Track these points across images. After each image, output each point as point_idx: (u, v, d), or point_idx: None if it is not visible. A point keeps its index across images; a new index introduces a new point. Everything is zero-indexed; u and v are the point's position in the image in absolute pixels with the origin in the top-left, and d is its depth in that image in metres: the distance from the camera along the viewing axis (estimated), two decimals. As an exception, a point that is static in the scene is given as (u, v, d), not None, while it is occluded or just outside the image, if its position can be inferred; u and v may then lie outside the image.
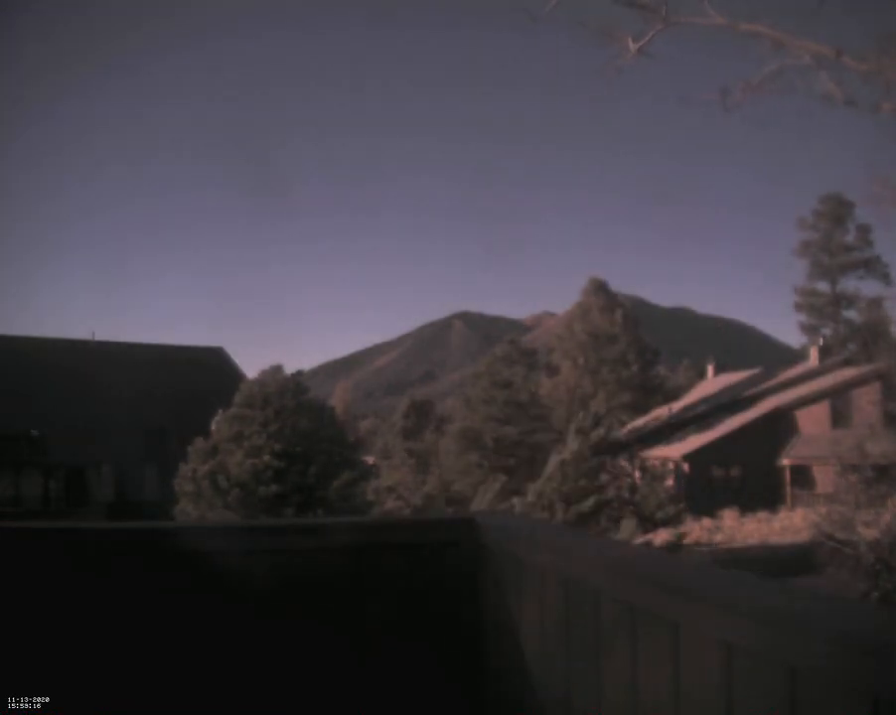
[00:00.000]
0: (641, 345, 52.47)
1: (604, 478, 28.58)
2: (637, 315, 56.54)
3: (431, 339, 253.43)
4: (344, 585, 2.57)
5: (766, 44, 14.19)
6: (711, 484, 34.78)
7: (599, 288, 52.70)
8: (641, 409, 47.36)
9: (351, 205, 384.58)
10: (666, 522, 28.76)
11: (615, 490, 28.92)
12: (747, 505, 31.42)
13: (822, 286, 54.57)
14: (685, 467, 35.11)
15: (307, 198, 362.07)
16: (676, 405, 45.24)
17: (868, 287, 53.65)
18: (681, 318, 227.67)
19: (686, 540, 26.68)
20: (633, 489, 30.27)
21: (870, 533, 15.28)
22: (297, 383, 26.36)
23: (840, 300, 54.01)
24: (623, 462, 33.12)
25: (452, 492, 36.84)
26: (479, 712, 2.51)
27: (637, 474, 32.07)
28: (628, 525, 26.14)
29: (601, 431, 29.07)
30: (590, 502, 26.51)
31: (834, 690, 1.17)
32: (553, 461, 27.99)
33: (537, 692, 2.21)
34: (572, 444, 27.86)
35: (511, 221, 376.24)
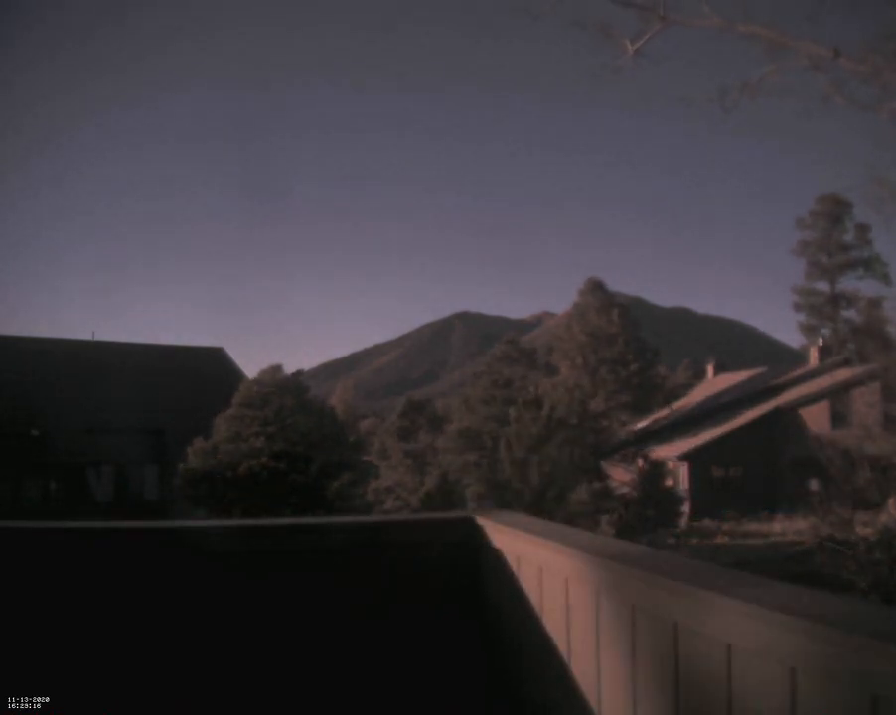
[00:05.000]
0: (640, 344, 52.34)
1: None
2: (637, 315, 56.40)
3: (431, 339, 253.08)
4: (344, 585, 2.57)
5: (763, 45, 14.21)
6: (712, 484, 34.77)
7: (596, 288, 52.58)
8: (640, 409, 47.29)
9: (351, 205, 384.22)
10: (666, 522, 28.77)
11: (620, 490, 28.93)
12: (747, 505, 31.41)
13: (822, 286, 54.54)
14: (685, 467, 35.09)
15: (307, 198, 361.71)
16: (677, 405, 45.25)
17: (868, 287, 53.57)
18: (681, 318, 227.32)
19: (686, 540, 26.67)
20: (634, 488, 30.27)
21: (869, 533, 15.27)
22: (297, 383, 26.34)
23: (840, 300, 53.93)
24: (624, 460, 33.12)
25: (452, 492, 36.78)
26: (481, 709, 2.51)
27: (640, 464, 32.04)
28: None
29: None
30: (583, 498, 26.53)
31: (834, 689, 1.18)
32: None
33: (538, 688, 2.22)
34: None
35: (511, 221, 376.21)
